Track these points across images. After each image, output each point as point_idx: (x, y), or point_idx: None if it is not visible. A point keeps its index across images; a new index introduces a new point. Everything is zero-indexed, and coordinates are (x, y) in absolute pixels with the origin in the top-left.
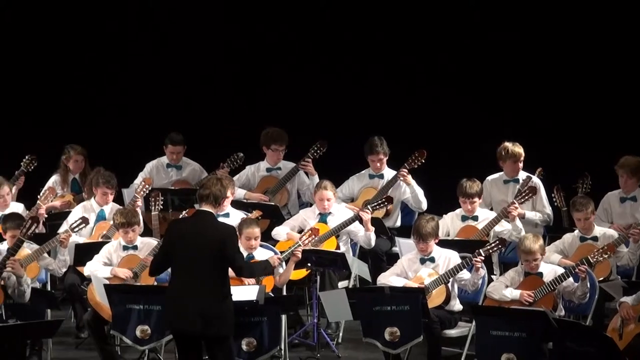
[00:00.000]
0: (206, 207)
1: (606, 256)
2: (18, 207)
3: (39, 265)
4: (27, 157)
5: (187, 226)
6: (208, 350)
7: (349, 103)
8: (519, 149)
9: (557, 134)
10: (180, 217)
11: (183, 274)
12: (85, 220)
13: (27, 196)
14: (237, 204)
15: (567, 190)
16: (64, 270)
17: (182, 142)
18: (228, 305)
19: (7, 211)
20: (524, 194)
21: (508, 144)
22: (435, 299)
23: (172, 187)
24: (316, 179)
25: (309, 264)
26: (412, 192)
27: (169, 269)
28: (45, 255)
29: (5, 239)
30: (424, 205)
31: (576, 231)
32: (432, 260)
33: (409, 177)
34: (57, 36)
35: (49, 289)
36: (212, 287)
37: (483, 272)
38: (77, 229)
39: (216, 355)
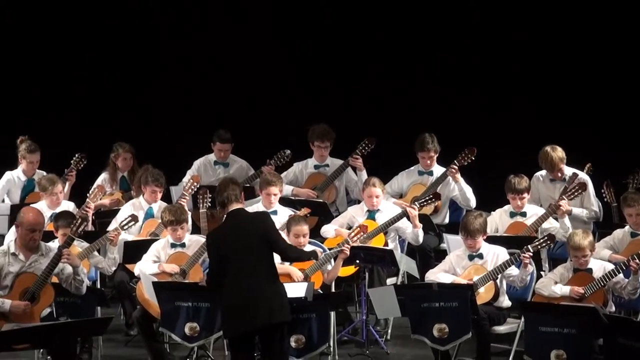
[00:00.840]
0: (233, 207)
1: None
2: (69, 206)
3: (89, 263)
4: (76, 155)
5: (224, 232)
6: (266, 343)
7: (400, 100)
8: (558, 154)
9: (606, 129)
10: (214, 228)
11: (238, 274)
12: (134, 218)
13: (77, 194)
14: (285, 202)
15: (617, 186)
16: (114, 268)
17: (230, 139)
18: (283, 291)
19: (59, 209)
20: (572, 190)
21: (548, 149)
22: (483, 296)
23: None
24: (364, 175)
25: (358, 261)
26: (460, 189)
27: None
28: (96, 253)
29: (56, 237)
30: (473, 203)
31: (627, 227)
32: (481, 256)
33: (458, 175)
34: (104, 34)
35: (98, 286)
36: (267, 275)
37: (532, 268)
38: (126, 226)
39: (276, 345)
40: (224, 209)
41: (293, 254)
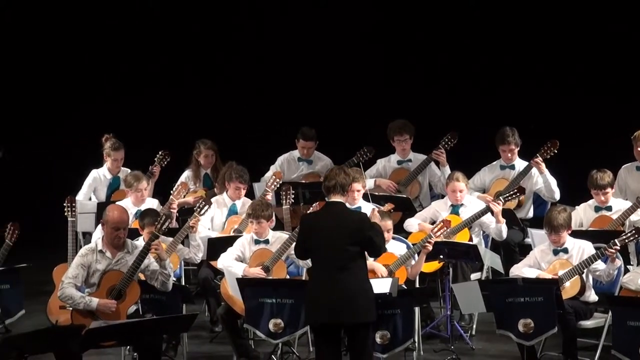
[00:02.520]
0: (335, 198)
1: None
2: (153, 203)
3: (177, 257)
4: (160, 152)
5: (320, 219)
6: (351, 340)
7: (482, 94)
8: None
9: None
10: (310, 211)
11: (324, 266)
12: (207, 202)
13: (161, 192)
14: (369, 197)
15: None
16: (200, 255)
17: (314, 137)
18: (371, 291)
19: (143, 207)
20: None
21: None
22: (569, 290)
23: (303, 181)
24: (447, 170)
25: (441, 256)
26: (545, 181)
27: None
28: (180, 245)
29: (141, 235)
30: (557, 195)
31: None
32: (566, 251)
33: (543, 166)
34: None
35: (183, 283)
36: (356, 274)
37: (619, 262)
38: (202, 211)
39: (360, 343)
40: (328, 196)
41: (383, 250)
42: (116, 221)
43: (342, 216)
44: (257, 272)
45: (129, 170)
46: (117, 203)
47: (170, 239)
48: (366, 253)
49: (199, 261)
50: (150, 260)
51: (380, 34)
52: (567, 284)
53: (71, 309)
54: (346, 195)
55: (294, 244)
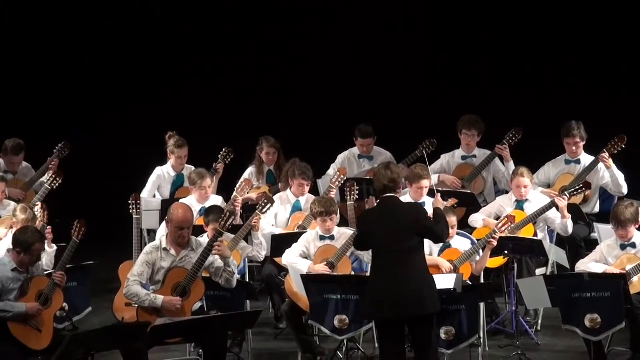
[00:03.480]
0: (389, 193)
1: None
2: (217, 200)
3: (239, 254)
4: (224, 149)
5: (377, 215)
6: (416, 334)
7: (547, 89)
8: None
9: None
10: (368, 208)
11: (386, 261)
12: (270, 200)
13: (225, 189)
14: (433, 193)
15: None
16: (264, 253)
17: (371, 133)
18: (433, 282)
19: (207, 204)
20: None
21: None
22: (637, 285)
23: (367, 177)
24: (512, 165)
25: (506, 252)
26: (612, 176)
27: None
28: (243, 243)
29: (206, 231)
30: (625, 190)
31: None
32: (633, 245)
33: (610, 161)
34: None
35: (247, 280)
36: (418, 266)
37: None
38: (264, 210)
39: (425, 337)
40: (379, 195)
41: (446, 235)
42: (180, 220)
43: (397, 210)
44: (321, 269)
45: (193, 168)
46: (181, 201)
47: (233, 236)
48: (432, 246)
49: (262, 259)
50: (215, 257)
51: (443, 26)
52: (635, 278)
53: (137, 306)
54: (399, 190)
55: (354, 241)
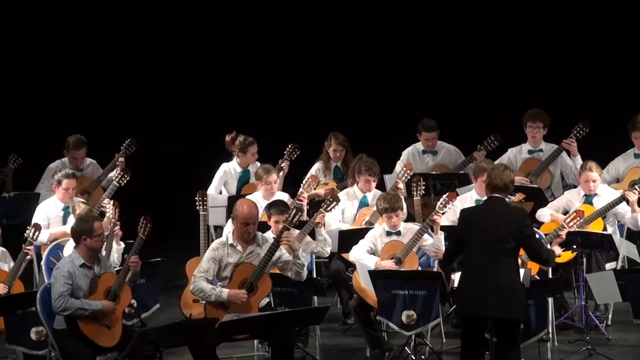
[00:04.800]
0: (496, 193)
1: None
2: (283, 196)
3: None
4: (290, 145)
5: (480, 213)
6: (498, 335)
7: (613, 83)
8: None
9: None
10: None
11: (479, 259)
12: (336, 199)
13: (291, 185)
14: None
15: None
16: (328, 249)
17: (434, 127)
18: (522, 289)
19: (273, 199)
20: None
21: None
22: None
23: (433, 172)
24: (579, 160)
25: (575, 246)
26: None
27: None
28: (308, 238)
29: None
30: None
31: None
32: None
33: None
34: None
35: (315, 276)
36: (510, 271)
37: None
38: (329, 208)
39: (507, 340)
40: (490, 192)
41: (544, 255)
42: (246, 216)
43: (502, 211)
44: (389, 265)
45: (259, 164)
46: (247, 197)
47: (298, 231)
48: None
49: (326, 255)
50: (282, 252)
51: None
52: None
53: (204, 302)
54: (508, 191)
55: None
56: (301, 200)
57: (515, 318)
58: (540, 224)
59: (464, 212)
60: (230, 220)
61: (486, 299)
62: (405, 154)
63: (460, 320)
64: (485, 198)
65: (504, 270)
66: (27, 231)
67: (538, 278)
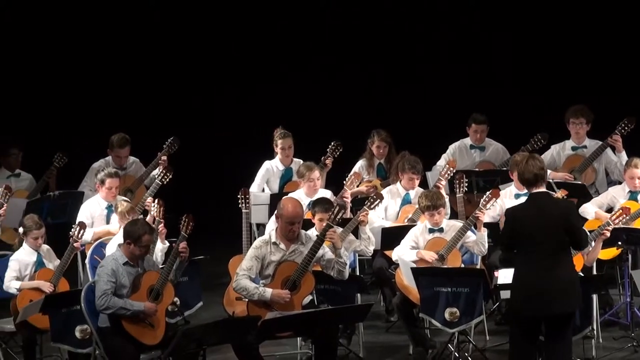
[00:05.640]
0: (538, 189)
1: None
2: (326, 194)
3: (345, 248)
4: (332, 143)
5: (527, 211)
6: (553, 330)
7: None
8: None
9: None
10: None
11: (536, 258)
12: (379, 196)
13: (334, 182)
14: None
15: None
16: (372, 248)
17: (485, 121)
18: (578, 279)
19: (316, 196)
20: None
21: None
22: None
23: (476, 169)
24: (624, 156)
25: (619, 243)
26: None
27: None
28: (351, 237)
29: (314, 224)
30: None
31: None
32: None
33: None
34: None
35: (358, 273)
36: (565, 263)
37: None
38: (372, 206)
39: (562, 334)
40: (530, 187)
41: (584, 245)
42: (291, 216)
43: (548, 205)
44: (429, 255)
45: (302, 162)
46: (290, 194)
47: (341, 229)
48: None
49: (370, 253)
50: (325, 250)
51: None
52: None
53: (247, 300)
54: (545, 182)
55: (500, 236)
56: (345, 198)
57: (575, 310)
58: (584, 220)
59: (511, 212)
60: (272, 218)
61: (551, 299)
62: (452, 148)
63: (516, 319)
64: (524, 192)
65: (562, 265)
66: (71, 230)
67: (582, 275)
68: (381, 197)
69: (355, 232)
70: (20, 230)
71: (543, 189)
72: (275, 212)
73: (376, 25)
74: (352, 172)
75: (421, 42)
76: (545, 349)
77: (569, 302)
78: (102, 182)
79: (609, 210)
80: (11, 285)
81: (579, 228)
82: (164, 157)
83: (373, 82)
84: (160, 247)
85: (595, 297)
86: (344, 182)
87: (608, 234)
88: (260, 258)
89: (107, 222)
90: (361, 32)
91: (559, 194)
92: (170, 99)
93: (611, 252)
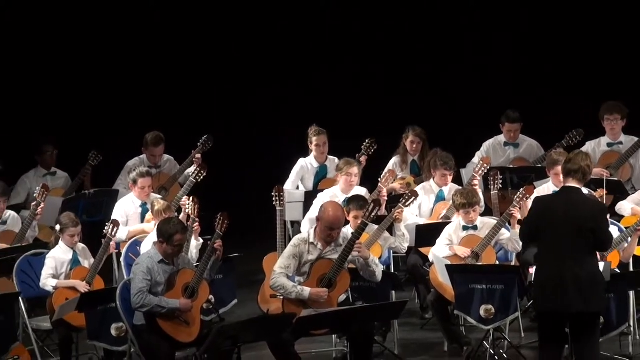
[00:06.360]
0: (573, 183)
1: None
2: (361, 191)
3: (380, 246)
4: (367, 140)
5: (555, 203)
6: (578, 329)
7: None
8: None
9: None
10: (543, 195)
11: (554, 251)
12: (414, 194)
13: (368, 180)
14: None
15: None
16: (406, 245)
17: (518, 119)
18: (602, 281)
19: (351, 193)
20: None
21: None
22: None
23: (511, 166)
24: None
25: None
26: None
27: None
28: (386, 234)
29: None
30: None
31: None
32: None
33: None
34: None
35: (392, 270)
36: (587, 262)
37: None
38: (408, 203)
39: (588, 334)
40: (566, 179)
41: (607, 246)
42: (331, 221)
43: (577, 201)
44: (462, 250)
45: (337, 160)
46: (325, 191)
47: (376, 227)
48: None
49: (404, 251)
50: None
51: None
52: None
53: (282, 297)
54: (584, 182)
55: (522, 224)
56: (382, 196)
57: (597, 311)
58: (620, 217)
59: (538, 201)
60: (307, 216)
61: (568, 294)
62: (485, 145)
63: (538, 315)
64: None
65: (582, 262)
66: (105, 228)
67: (619, 271)
68: (416, 195)
69: (390, 230)
70: (57, 227)
71: (577, 185)
72: (318, 213)
73: (411, 23)
74: (386, 170)
75: (456, 39)
76: (573, 349)
77: (588, 302)
78: (135, 181)
79: None
80: (47, 283)
81: (605, 231)
82: (198, 155)
83: (408, 79)
84: (194, 244)
85: (632, 293)
86: (379, 179)
87: None
88: (298, 256)
89: (142, 220)
90: (395, 29)
91: (597, 193)
92: (205, 97)
93: None
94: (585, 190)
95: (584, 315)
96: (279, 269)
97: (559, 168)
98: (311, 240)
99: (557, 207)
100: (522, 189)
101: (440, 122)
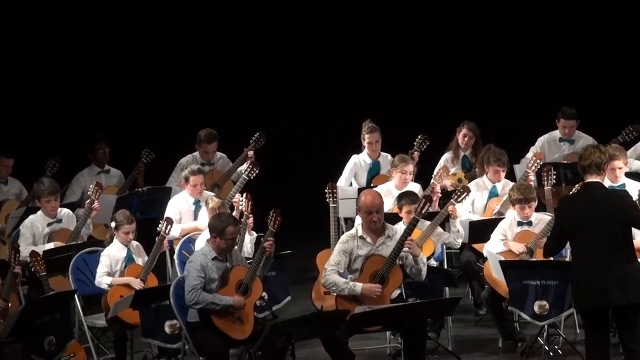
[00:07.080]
0: (592, 178)
1: None
2: (415, 187)
3: (433, 242)
4: (419, 136)
5: (579, 201)
6: (623, 322)
7: None
8: None
9: None
10: (570, 193)
11: (590, 248)
12: (466, 189)
13: (420, 176)
14: (631, 175)
15: None
16: (460, 240)
17: (574, 115)
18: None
19: (405, 189)
20: None
21: None
22: None
23: (564, 161)
24: None
25: None
26: None
27: None
28: (439, 230)
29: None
30: None
31: None
32: None
33: None
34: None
35: (445, 267)
36: (625, 254)
37: None
38: (460, 199)
39: (630, 327)
40: (585, 176)
41: None
42: (368, 205)
43: (602, 196)
44: (517, 247)
45: (389, 155)
46: (379, 187)
47: (429, 222)
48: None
49: (458, 246)
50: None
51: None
52: None
53: (335, 294)
54: (603, 174)
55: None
56: (436, 192)
57: (637, 302)
58: None
59: (564, 202)
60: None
61: (606, 290)
62: (540, 141)
63: (581, 313)
64: (619, 183)
65: (620, 256)
66: (159, 225)
67: None
68: (468, 190)
69: (443, 226)
70: (112, 224)
71: (597, 180)
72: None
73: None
74: (439, 166)
75: (512, 35)
76: (620, 338)
77: (628, 294)
78: (187, 179)
79: None
80: (102, 280)
81: (638, 217)
82: (251, 152)
83: (462, 75)
84: (248, 238)
85: None
86: (433, 176)
87: None
88: (348, 252)
89: (195, 218)
90: (448, 25)
91: None
92: (258, 95)
93: None
94: (638, 185)
95: (625, 308)
96: (330, 266)
97: (616, 163)
98: (359, 234)
99: (584, 207)
100: (577, 185)
101: (494, 117)
